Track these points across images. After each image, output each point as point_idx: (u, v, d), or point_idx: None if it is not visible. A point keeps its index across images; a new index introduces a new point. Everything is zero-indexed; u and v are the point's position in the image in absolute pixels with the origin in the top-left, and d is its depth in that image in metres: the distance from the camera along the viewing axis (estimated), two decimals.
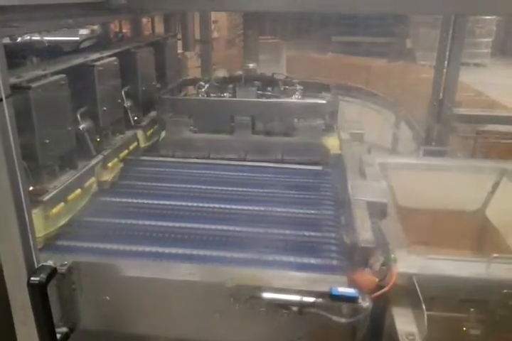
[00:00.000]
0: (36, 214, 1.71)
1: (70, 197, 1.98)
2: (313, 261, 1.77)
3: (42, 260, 1.50)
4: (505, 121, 3.88)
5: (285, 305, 1.49)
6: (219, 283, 1.54)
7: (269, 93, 2.83)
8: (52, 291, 1.50)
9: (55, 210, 1.85)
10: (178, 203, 2.19)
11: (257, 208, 2.15)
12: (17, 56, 2.11)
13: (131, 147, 2.62)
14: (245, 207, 2.16)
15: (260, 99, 2.77)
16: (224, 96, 2.81)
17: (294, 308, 1.49)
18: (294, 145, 2.69)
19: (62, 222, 1.93)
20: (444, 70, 3.70)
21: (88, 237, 1.89)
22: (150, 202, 2.20)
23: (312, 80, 3.22)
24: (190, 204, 2.19)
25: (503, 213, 2.47)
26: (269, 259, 1.75)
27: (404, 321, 1.63)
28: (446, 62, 3.82)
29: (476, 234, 2.58)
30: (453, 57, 3.71)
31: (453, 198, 2.48)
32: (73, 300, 1.62)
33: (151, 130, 2.87)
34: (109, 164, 2.35)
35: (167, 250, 1.81)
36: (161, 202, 2.20)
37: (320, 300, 1.47)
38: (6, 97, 1.31)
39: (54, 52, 2.42)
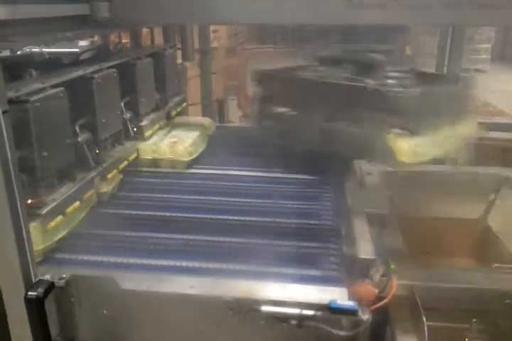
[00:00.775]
0: (34, 228, 1.70)
1: (69, 209, 1.98)
2: (312, 272, 1.76)
3: (40, 273, 1.49)
4: (508, 128, 3.87)
5: (284, 318, 1.49)
6: (218, 296, 1.54)
7: None
8: (50, 305, 1.49)
9: (53, 223, 1.85)
10: (179, 215, 2.19)
11: (258, 219, 2.15)
12: (16, 69, 2.12)
13: (130, 158, 2.62)
14: (247, 218, 2.15)
15: None
16: None
17: (293, 321, 1.48)
18: None
19: (61, 234, 1.93)
20: None
21: (87, 250, 1.88)
22: (150, 213, 2.20)
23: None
24: (190, 215, 2.18)
25: (504, 221, 2.46)
26: (269, 271, 1.74)
27: (404, 332, 1.61)
28: (445, 69, 3.84)
29: (478, 242, 2.57)
30: (452, 65, 3.72)
31: (454, 206, 2.48)
32: (71, 313, 1.61)
33: None
34: (109, 175, 2.35)
35: (165, 262, 1.80)
36: (161, 214, 2.19)
37: (319, 313, 1.46)
38: (3, 112, 1.31)
39: (53, 64, 2.43)
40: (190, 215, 2.18)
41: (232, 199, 2.35)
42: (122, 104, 2.57)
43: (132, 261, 1.82)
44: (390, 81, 2.34)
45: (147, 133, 2.84)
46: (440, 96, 2.26)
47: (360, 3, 1.78)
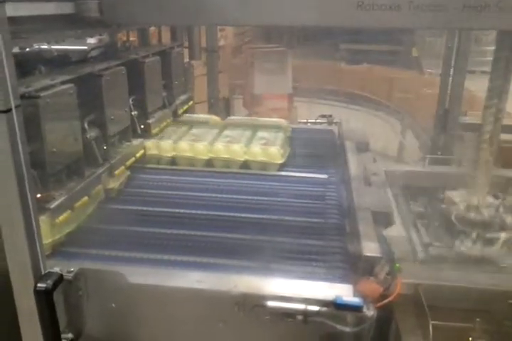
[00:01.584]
0: (43, 221, 1.72)
1: (77, 204, 2.00)
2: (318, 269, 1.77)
3: (48, 267, 1.50)
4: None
5: (290, 314, 1.50)
6: (224, 290, 1.55)
7: None
8: (58, 298, 1.51)
9: (61, 217, 1.87)
10: (186, 211, 2.20)
11: (263, 216, 2.15)
12: (26, 65, 2.14)
13: (137, 155, 2.64)
14: (251, 215, 2.16)
15: None
16: None
17: (299, 317, 1.49)
18: None
19: (69, 229, 1.95)
20: (450, 79, 3.72)
21: (95, 244, 1.90)
22: (156, 209, 2.21)
23: None
24: (197, 212, 2.19)
25: None
26: (275, 267, 1.75)
27: (409, 330, 1.62)
28: (451, 70, 3.84)
29: None
30: (458, 67, 3.72)
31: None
32: (79, 306, 1.62)
33: None
34: (116, 172, 2.37)
35: (174, 257, 1.82)
36: (168, 210, 2.21)
37: (325, 309, 1.47)
38: (16, 107, 1.33)
39: (62, 61, 2.45)
40: (197, 212, 2.19)
41: (238, 197, 2.36)
42: (130, 101, 2.59)
43: (139, 255, 1.84)
44: None
45: (154, 131, 2.86)
46: None
47: (370, 4, 1.78)
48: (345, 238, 1.97)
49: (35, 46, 2.44)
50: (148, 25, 3.11)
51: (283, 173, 2.67)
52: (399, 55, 10.37)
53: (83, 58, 2.60)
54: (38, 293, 1.41)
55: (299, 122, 5.35)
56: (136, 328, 1.68)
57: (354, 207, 2.03)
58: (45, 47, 2.56)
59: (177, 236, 1.99)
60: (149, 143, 2.77)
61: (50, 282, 1.43)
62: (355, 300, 1.47)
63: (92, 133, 2.21)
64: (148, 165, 2.74)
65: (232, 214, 2.18)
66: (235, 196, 2.37)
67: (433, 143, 4.09)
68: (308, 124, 4.97)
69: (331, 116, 4.86)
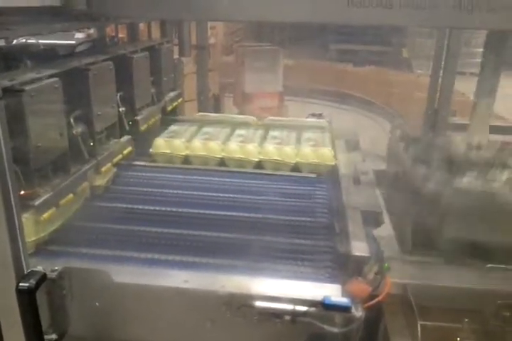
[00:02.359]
0: (27, 219, 1.69)
1: (62, 201, 1.96)
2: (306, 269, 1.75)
3: (32, 265, 1.47)
4: (502, 130, 3.89)
5: (277, 314, 1.48)
6: (212, 290, 1.53)
7: None
8: (41, 297, 1.48)
9: (46, 215, 1.83)
10: (173, 209, 2.17)
11: (252, 215, 2.13)
12: (11, 59, 2.10)
13: (125, 152, 2.61)
14: (240, 214, 2.14)
15: None
16: None
17: (287, 317, 1.47)
18: None
19: (54, 227, 1.91)
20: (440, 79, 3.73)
21: (80, 242, 1.86)
22: (143, 207, 2.18)
23: None
24: (184, 210, 2.17)
25: None
26: (263, 267, 1.73)
27: (397, 331, 1.62)
28: (441, 71, 3.85)
29: None
30: (448, 67, 3.73)
31: None
32: (63, 306, 1.59)
33: None
34: (103, 169, 2.33)
35: (159, 256, 1.79)
36: (155, 208, 2.18)
37: (313, 309, 1.46)
38: None
39: (49, 55, 2.41)
40: (184, 210, 2.16)
41: (227, 195, 2.34)
42: (118, 97, 2.55)
43: (125, 254, 1.81)
44: None
45: (142, 127, 2.83)
46: None
47: (361, 1, 1.77)
48: None
49: (22, 40, 2.40)
50: (137, 19, 3.06)
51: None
52: (389, 55, 10.43)
53: (70, 53, 2.56)
54: (20, 292, 1.38)
55: None
56: (122, 328, 1.65)
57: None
58: (32, 41, 2.52)
59: (164, 234, 1.96)
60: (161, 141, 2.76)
61: (32, 281, 1.40)
62: (343, 300, 1.46)
63: (78, 129, 2.16)
64: (135, 163, 2.70)
65: (224, 213, 2.16)
66: (228, 195, 2.34)
67: None
68: None
69: (321, 114, 4.85)
